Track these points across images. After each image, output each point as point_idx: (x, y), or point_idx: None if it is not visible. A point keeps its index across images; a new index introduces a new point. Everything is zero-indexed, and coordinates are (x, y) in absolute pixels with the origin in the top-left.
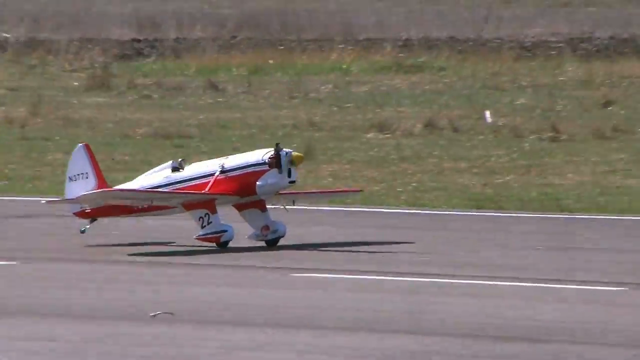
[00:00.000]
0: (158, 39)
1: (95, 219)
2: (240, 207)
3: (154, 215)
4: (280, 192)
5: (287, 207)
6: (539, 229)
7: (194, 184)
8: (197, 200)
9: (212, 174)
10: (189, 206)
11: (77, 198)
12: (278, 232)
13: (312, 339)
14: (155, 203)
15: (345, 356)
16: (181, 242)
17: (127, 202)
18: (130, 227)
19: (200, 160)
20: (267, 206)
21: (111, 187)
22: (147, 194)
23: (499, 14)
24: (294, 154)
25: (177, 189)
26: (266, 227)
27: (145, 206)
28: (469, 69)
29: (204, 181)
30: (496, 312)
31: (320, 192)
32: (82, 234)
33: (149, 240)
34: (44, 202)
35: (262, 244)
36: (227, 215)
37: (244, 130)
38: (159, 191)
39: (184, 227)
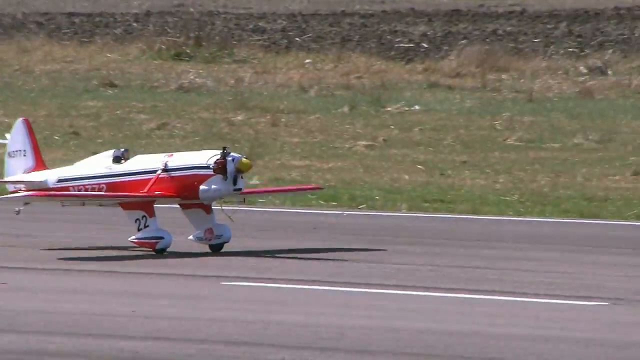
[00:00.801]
0: None
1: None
2: (184, 206)
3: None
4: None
5: (230, 216)
6: None
7: (134, 179)
8: (135, 201)
9: (154, 172)
10: (126, 206)
11: (9, 196)
12: (223, 237)
13: None
14: (87, 205)
15: None
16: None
17: (55, 202)
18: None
19: (144, 153)
20: (213, 207)
21: (47, 169)
22: (80, 198)
23: None
24: (243, 160)
25: (116, 183)
26: (210, 231)
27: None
28: None
29: (145, 177)
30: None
31: (278, 190)
32: (17, 214)
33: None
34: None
35: (205, 248)
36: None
37: None
38: (92, 194)
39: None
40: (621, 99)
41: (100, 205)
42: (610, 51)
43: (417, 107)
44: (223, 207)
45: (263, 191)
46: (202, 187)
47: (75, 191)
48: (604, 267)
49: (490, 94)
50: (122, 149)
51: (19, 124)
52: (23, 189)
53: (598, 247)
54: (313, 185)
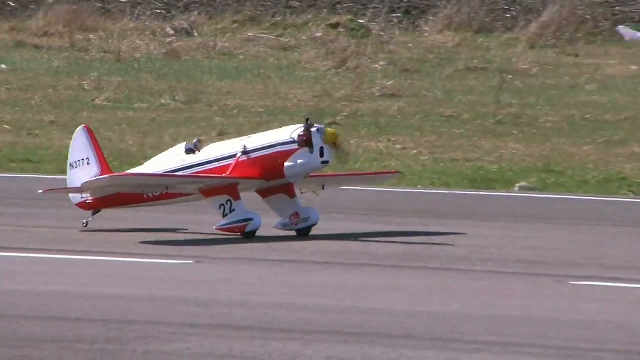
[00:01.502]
0: None
1: (99, 211)
2: (264, 194)
3: (166, 204)
4: (311, 174)
5: (317, 191)
6: None
7: (212, 167)
8: (218, 185)
9: (233, 156)
10: (208, 192)
11: (80, 187)
12: (310, 219)
13: None
14: (170, 189)
15: None
16: (193, 229)
17: (138, 190)
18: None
19: (218, 141)
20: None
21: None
22: (161, 178)
23: None
24: (328, 130)
25: (193, 174)
26: (296, 215)
27: (157, 194)
28: None
29: (223, 164)
30: None
31: (354, 175)
32: (84, 227)
33: (148, 227)
34: (40, 192)
35: (292, 233)
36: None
37: None
38: (175, 175)
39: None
40: (207, 60)
41: (181, 197)
42: (196, 13)
43: (3, 66)
44: (302, 191)
45: (343, 175)
46: (287, 164)
47: (149, 195)
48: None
49: (79, 54)
50: (195, 140)
51: (79, 132)
52: (90, 198)
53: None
54: (392, 170)
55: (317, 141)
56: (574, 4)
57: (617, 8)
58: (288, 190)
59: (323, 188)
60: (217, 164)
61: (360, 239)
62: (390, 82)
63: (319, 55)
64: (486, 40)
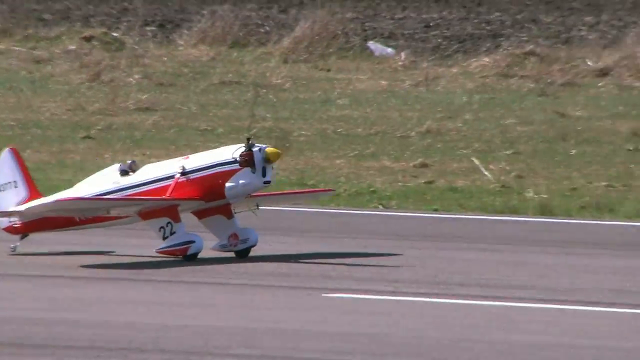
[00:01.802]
0: None
1: (27, 235)
2: (201, 215)
3: (98, 227)
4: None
5: (254, 210)
6: None
7: (150, 188)
8: (158, 206)
9: (171, 177)
10: (147, 215)
11: (22, 211)
12: (249, 240)
13: None
14: (111, 212)
15: None
16: (122, 252)
17: (77, 213)
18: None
19: (153, 162)
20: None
21: (42, 197)
22: (106, 202)
23: None
24: (269, 149)
25: (132, 195)
26: (235, 236)
27: (90, 217)
28: None
29: (161, 185)
30: None
31: (288, 193)
32: (12, 252)
33: (78, 249)
34: None
35: (231, 254)
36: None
37: None
38: (121, 198)
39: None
40: None
41: (116, 219)
42: None
43: None
44: (236, 210)
45: (278, 194)
46: (228, 184)
47: (81, 218)
48: None
49: None
50: (130, 161)
51: (5, 155)
52: (19, 222)
53: None
54: (325, 188)
55: (259, 161)
56: (325, 19)
57: (367, 24)
58: (225, 210)
59: (258, 207)
60: (154, 185)
61: None
62: (145, 96)
63: (73, 69)
64: (240, 55)
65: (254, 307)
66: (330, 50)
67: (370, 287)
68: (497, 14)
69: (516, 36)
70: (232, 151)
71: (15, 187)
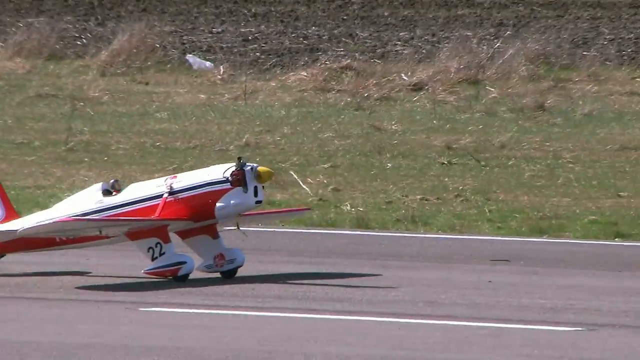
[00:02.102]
0: None
1: (3, 255)
2: (185, 235)
3: (78, 247)
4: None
5: (242, 229)
6: None
7: (136, 208)
8: (146, 227)
9: (159, 196)
10: (135, 235)
11: (17, 232)
12: (236, 261)
13: None
14: (104, 232)
15: None
16: (97, 272)
17: (66, 234)
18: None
19: (136, 182)
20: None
21: (20, 217)
22: (100, 222)
23: None
24: (261, 168)
25: (113, 216)
26: (221, 256)
27: (73, 237)
28: None
29: (148, 205)
30: None
31: (265, 213)
32: None
33: (49, 270)
34: None
35: (217, 275)
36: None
37: None
38: (113, 219)
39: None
40: None
41: (98, 239)
42: None
43: None
44: (219, 229)
45: (256, 213)
46: (218, 204)
47: (61, 238)
48: None
49: None
50: (112, 180)
51: None
52: None
53: None
54: (301, 208)
55: (250, 180)
56: (143, 32)
57: (185, 37)
58: (211, 230)
59: (238, 227)
60: (141, 205)
61: None
62: None
63: None
64: (57, 67)
65: (70, 320)
66: (149, 63)
67: (188, 301)
68: (314, 28)
69: (333, 50)
70: (223, 170)
71: None
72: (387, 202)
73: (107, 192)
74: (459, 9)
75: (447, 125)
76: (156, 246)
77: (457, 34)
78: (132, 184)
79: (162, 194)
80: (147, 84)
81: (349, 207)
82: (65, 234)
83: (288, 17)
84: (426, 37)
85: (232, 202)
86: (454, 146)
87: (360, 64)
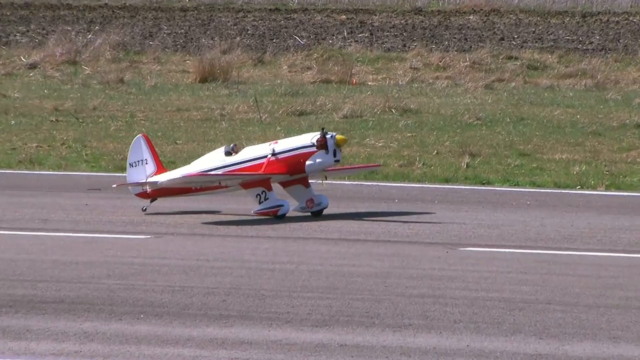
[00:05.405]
0: None
1: (155, 199)
2: (285, 184)
3: (207, 194)
4: (325, 170)
5: (323, 182)
6: None
7: (247, 166)
8: (256, 179)
9: (265, 157)
10: (247, 185)
11: (158, 184)
12: (322, 204)
13: None
14: (223, 184)
15: None
16: (226, 212)
17: (196, 184)
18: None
19: (248, 145)
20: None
21: (167, 170)
22: (220, 177)
23: None
24: (338, 136)
25: (232, 171)
26: (311, 200)
27: (203, 187)
28: None
29: (256, 163)
30: None
31: (343, 169)
32: (144, 212)
33: (188, 210)
34: (114, 185)
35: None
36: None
37: None
38: (228, 173)
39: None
40: None
41: (221, 188)
42: None
43: None
44: (310, 181)
45: (338, 169)
46: (308, 162)
47: (196, 187)
48: None
49: None
50: (232, 144)
51: (138, 140)
52: (149, 190)
53: None
54: (373, 164)
55: (330, 145)
56: None
57: None
58: (303, 181)
59: (326, 178)
60: (251, 163)
61: None
62: None
63: None
64: None
65: None
66: None
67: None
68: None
69: None
70: (311, 137)
71: (146, 164)
72: (12, 149)
73: (228, 153)
74: (62, 10)
75: (55, 93)
76: (262, 193)
77: (60, 28)
78: (246, 147)
79: (267, 155)
80: None
81: None
82: (196, 185)
83: None
84: (38, 30)
85: (317, 160)
86: (60, 108)
87: None
